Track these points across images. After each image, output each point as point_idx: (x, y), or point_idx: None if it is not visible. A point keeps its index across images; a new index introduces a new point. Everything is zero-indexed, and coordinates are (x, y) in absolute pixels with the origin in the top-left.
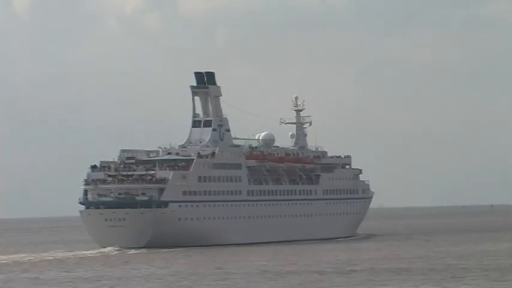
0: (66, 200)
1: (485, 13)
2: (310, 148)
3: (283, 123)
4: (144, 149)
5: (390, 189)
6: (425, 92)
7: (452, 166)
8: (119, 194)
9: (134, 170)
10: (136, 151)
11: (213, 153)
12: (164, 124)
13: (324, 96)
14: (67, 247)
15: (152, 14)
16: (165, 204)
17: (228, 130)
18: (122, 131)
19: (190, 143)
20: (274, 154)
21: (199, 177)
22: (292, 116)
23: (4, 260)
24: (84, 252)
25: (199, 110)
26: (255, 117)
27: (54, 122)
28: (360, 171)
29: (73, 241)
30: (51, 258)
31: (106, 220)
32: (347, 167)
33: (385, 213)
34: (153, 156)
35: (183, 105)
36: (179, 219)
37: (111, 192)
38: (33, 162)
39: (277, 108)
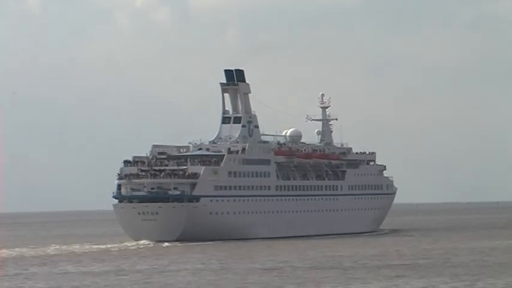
0: (97, 194)
1: (495, 10)
2: (335, 144)
3: (309, 120)
4: (175, 145)
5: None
6: (438, 90)
7: (459, 163)
8: (152, 188)
9: (166, 165)
10: (167, 146)
11: (243, 149)
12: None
13: (345, 92)
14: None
15: (163, 8)
16: (197, 198)
17: (257, 126)
18: (150, 127)
19: (220, 138)
20: (301, 150)
21: (230, 173)
22: (318, 113)
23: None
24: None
25: (228, 107)
26: (282, 113)
27: (76, 120)
28: (384, 168)
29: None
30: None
31: (139, 214)
32: (371, 163)
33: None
34: (184, 152)
35: (200, 101)
36: (210, 213)
37: (144, 186)
38: (68, 160)
39: (302, 104)
